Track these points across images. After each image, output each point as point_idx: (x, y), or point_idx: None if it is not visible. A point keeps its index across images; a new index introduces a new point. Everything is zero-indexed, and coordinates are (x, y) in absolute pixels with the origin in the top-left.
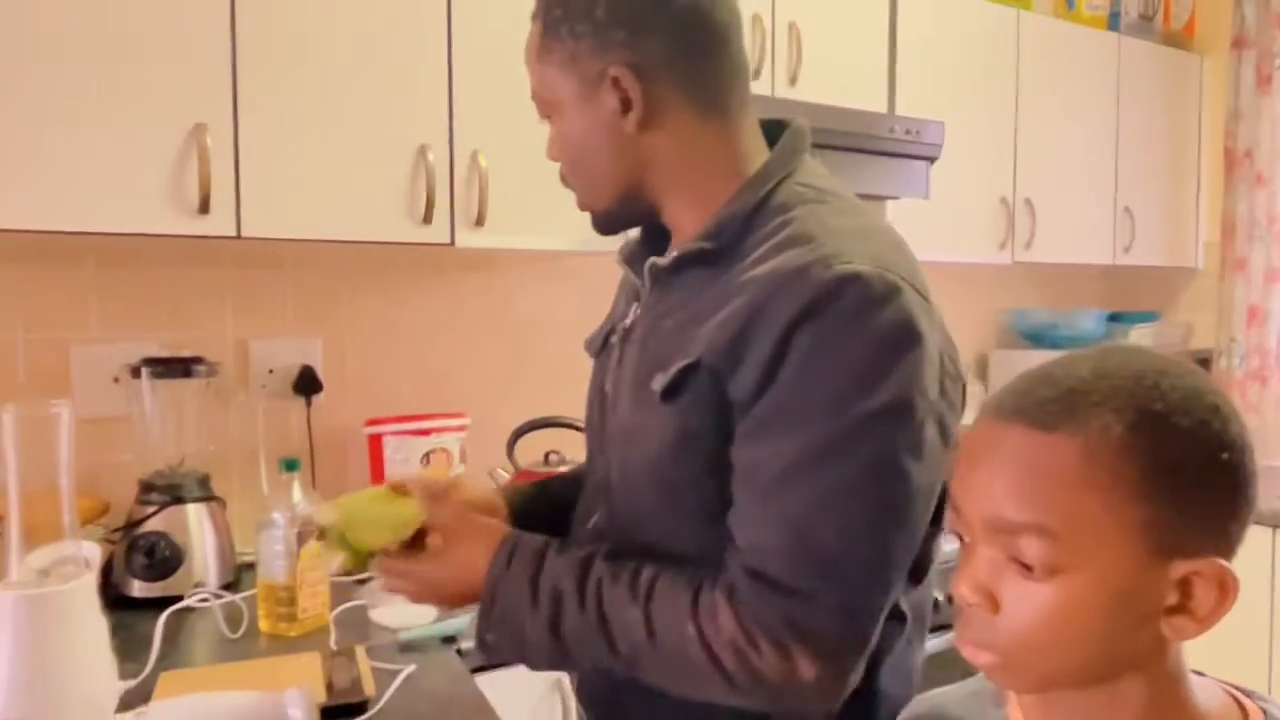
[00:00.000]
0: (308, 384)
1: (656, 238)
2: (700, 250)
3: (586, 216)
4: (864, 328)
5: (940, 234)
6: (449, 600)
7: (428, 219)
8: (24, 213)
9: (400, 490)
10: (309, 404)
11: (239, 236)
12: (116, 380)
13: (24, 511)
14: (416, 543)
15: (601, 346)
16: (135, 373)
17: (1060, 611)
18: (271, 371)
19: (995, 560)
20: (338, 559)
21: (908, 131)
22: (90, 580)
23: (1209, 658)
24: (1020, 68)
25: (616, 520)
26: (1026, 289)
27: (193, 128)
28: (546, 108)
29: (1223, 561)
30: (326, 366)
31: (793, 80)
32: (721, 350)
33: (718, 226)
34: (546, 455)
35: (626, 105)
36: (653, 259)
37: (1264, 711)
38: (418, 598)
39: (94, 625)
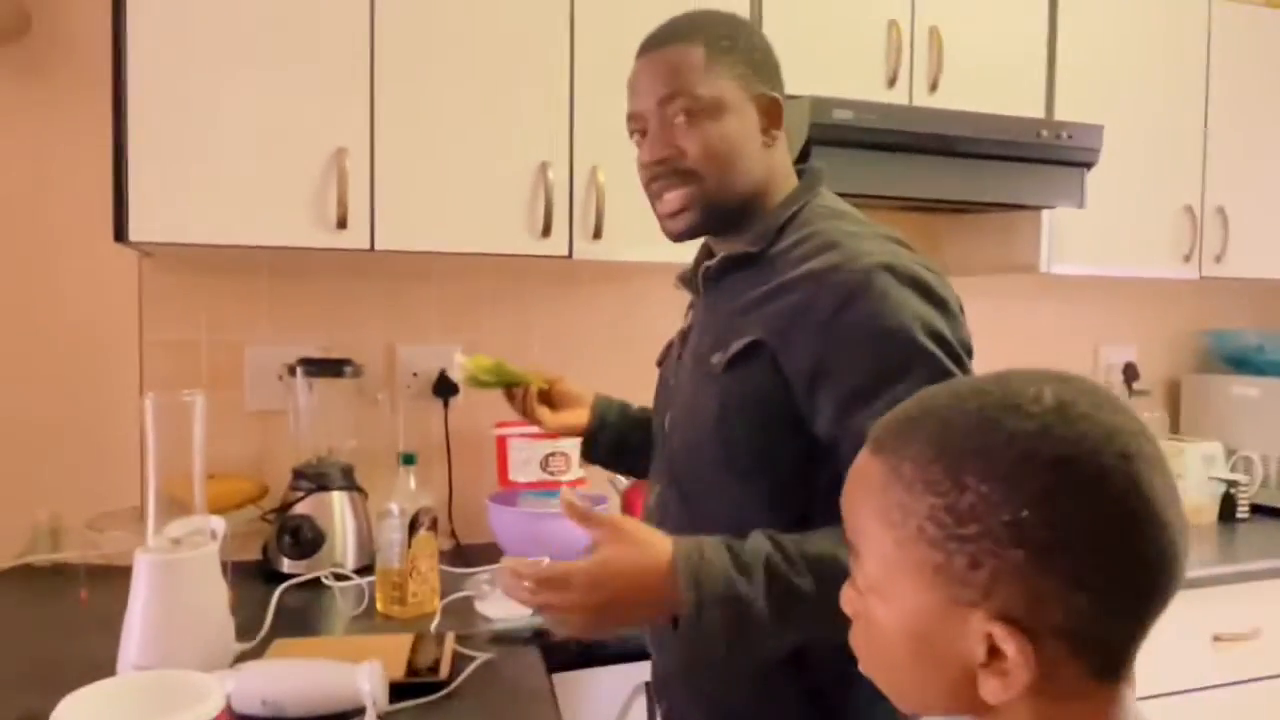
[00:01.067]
0: (446, 387)
1: (699, 259)
2: (744, 254)
3: None
4: (891, 302)
5: (1106, 246)
6: (616, 610)
7: (546, 232)
8: (195, 228)
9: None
10: (446, 406)
11: (372, 249)
12: (280, 378)
13: (164, 488)
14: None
15: (665, 354)
16: (292, 371)
17: (877, 633)
18: (415, 375)
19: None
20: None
21: (1059, 136)
22: (212, 550)
23: None
24: (1211, 62)
25: (682, 489)
26: (1234, 308)
27: (334, 151)
28: (702, 105)
29: (1013, 629)
30: None
31: (933, 87)
32: (778, 332)
33: (757, 236)
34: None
35: (769, 123)
36: (706, 263)
37: None
38: (578, 619)
39: (214, 589)
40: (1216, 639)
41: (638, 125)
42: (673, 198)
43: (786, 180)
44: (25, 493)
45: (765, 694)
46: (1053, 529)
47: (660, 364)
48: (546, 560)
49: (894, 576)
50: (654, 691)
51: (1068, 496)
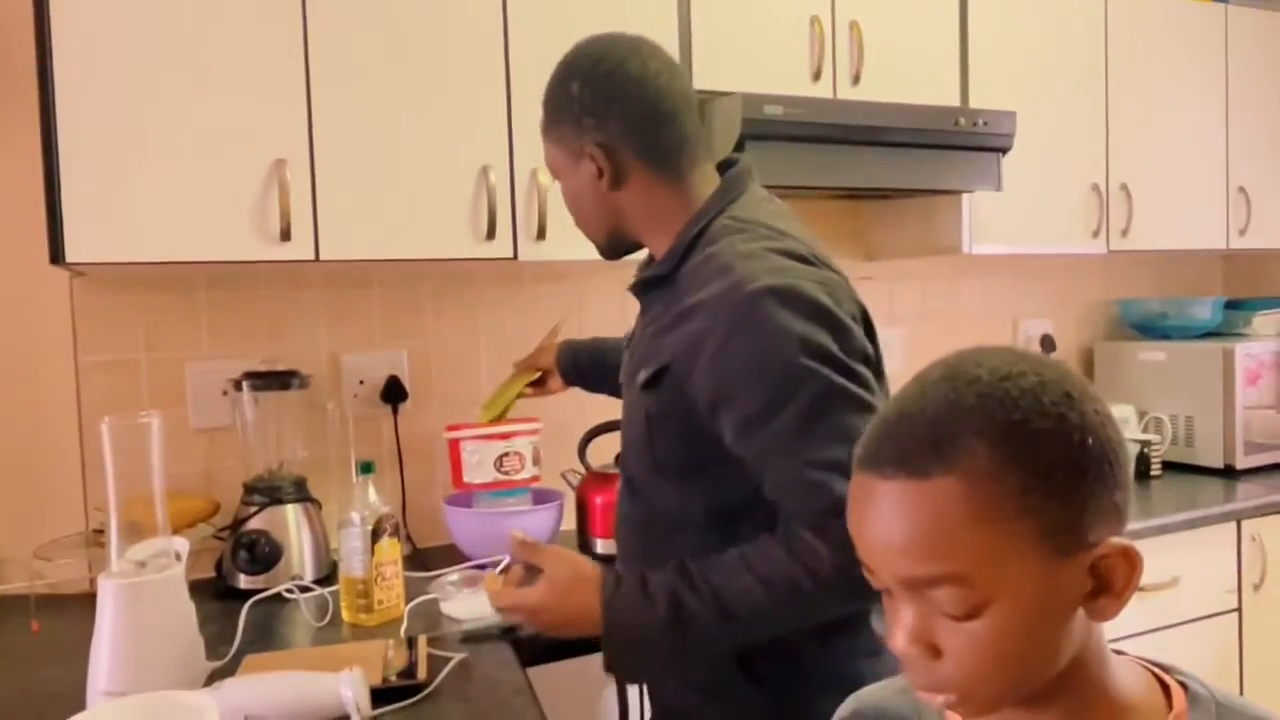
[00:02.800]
0: (395, 393)
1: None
2: (651, 276)
3: None
4: (778, 324)
5: (1023, 226)
6: (557, 622)
7: (491, 235)
8: (135, 246)
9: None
10: (396, 412)
11: (317, 260)
12: (225, 393)
13: (122, 511)
14: (526, 582)
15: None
16: (238, 386)
17: (995, 640)
18: (361, 382)
19: (921, 610)
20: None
21: (975, 123)
22: (179, 571)
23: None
24: (1110, 46)
25: (630, 482)
26: (1140, 278)
27: (274, 162)
28: (554, 172)
29: (1119, 540)
30: (412, 376)
31: (855, 79)
32: (681, 359)
33: (666, 258)
34: (616, 457)
35: (600, 172)
36: (635, 280)
37: (1184, 686)
38: (530, 620)
39: (182, 610)
40: (1139, 590)
41: None
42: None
43: (695, 194)
44: None
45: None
46: (1103, 446)
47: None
48: (504, 562)
49: (1005, 568)
50: None
51: (1100, 414)
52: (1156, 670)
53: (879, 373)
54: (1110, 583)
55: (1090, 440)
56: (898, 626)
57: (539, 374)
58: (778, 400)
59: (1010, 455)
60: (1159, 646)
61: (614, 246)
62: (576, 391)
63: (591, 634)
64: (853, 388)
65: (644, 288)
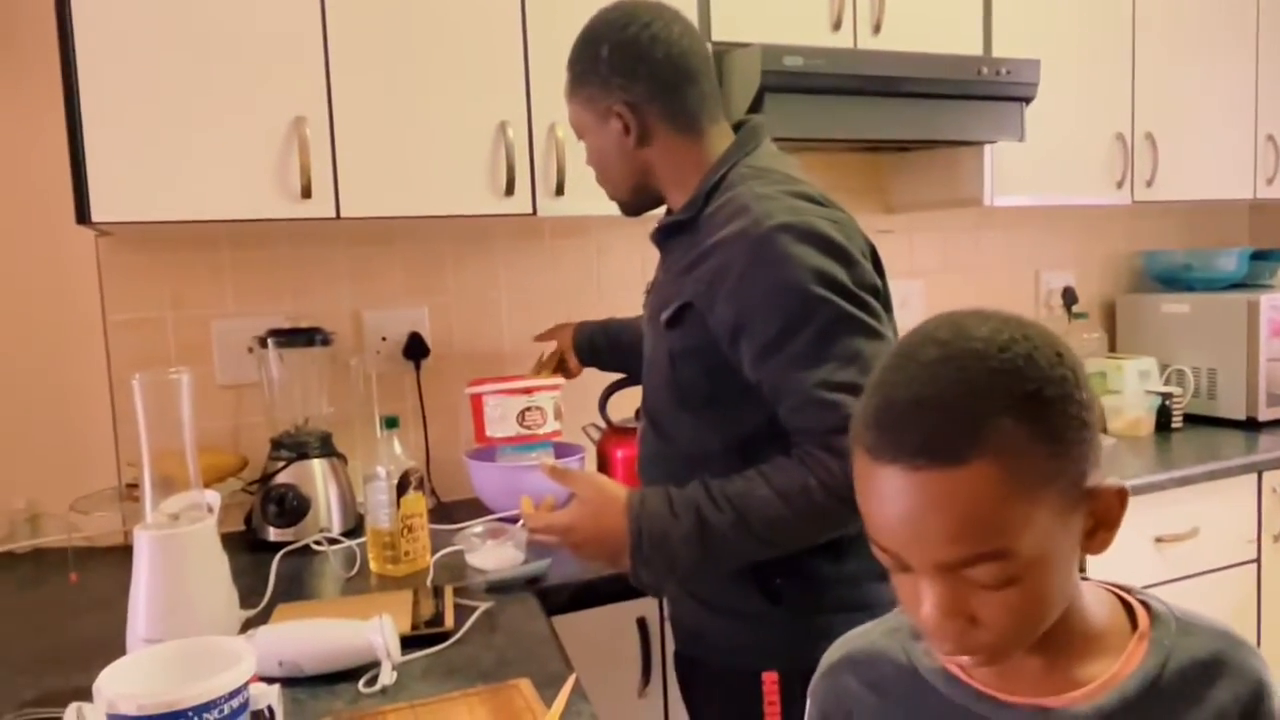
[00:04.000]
0: (417, 349)
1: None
2: (675, 221)
3: None
4: (793, 256)
5: (1046, 177)
6: (588, 539)
7: (510, 191)
8: (158, 206)
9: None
10: (418, 368)
11: (338, 217)
12: (250, 350)
13: (155, 465)
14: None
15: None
16: (263, 343)
17: (1029, 601)
18: (384, 339)
19: (955, 585)
20: None
21: (998, 72)
22: (211, 523)
23: None
24: None
25: (652, 419)
26: (1165, 230)
27: (293, 120)
28: (578, 131)
29: (1113, 481)
30: (434, 332)
31: (876, 29)
32: (702, 295)
33: (687, 204)
34: (637, 412)
35: (627, 130)
36: (655, 228)
37: (1145, 604)
38: (565, 544)
39: (216, 561)
40: (1159, 540)
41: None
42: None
43: (705, 150)
44: None
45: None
46: (1090, 396)
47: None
48: (524, 500)
49: (1039, 532)
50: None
51: (1077, 362)
52: (1119, 592)
53: (887, 306)
54: (1106, 519)
55: (1085, 394)
56: (927, 603)
57: (558, 366)
58: (792, 326)
59: (1035, 427)
60: (1178, 596)
61: (637, 202)
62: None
63: (618, 555)
64: (862, 316)
65: (665, 234)
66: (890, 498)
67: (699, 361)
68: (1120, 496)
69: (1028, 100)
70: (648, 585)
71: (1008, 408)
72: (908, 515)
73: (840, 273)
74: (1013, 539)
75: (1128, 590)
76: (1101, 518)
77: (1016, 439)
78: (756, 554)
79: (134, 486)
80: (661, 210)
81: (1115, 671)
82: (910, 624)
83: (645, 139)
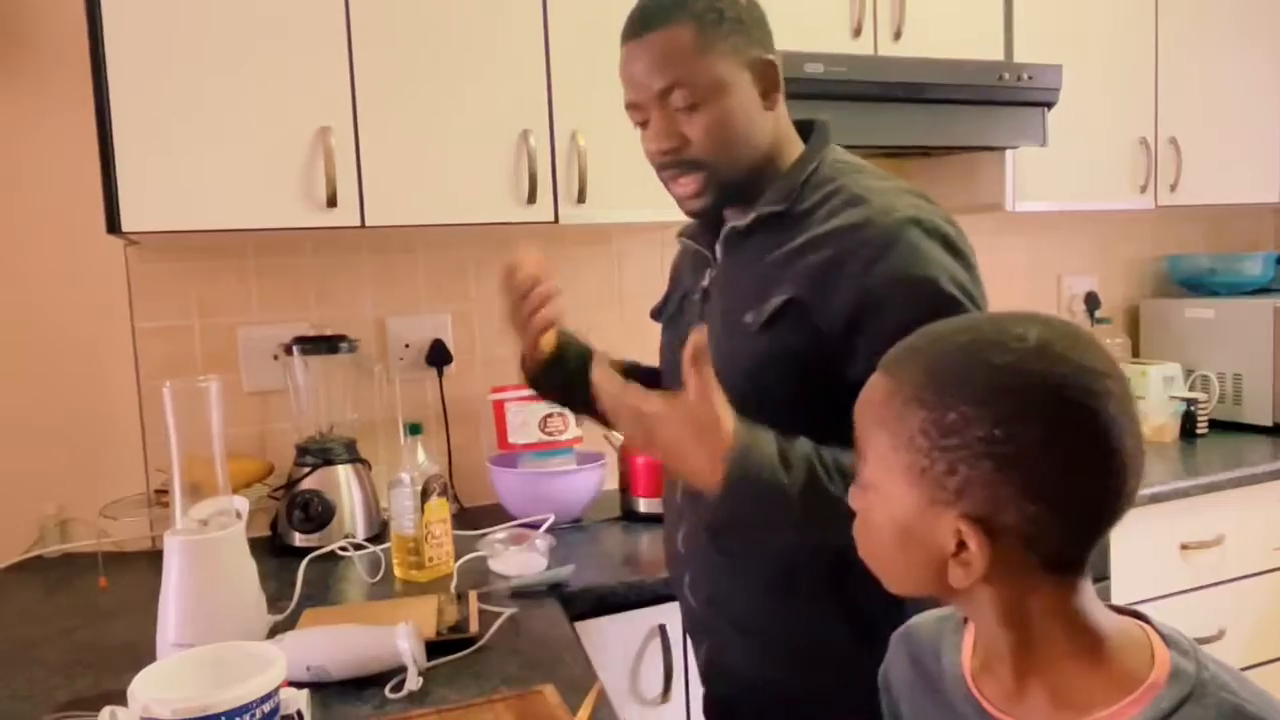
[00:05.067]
0: (440, 356)
1: (713, 221)
2: (771, 212)
3: None
4: (921, 257)
5: (1068, 182)
6: (670, 439)
7: (532, 199)
8: (187, 215)
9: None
10: (441, 375)
11: (363, 226)
12: (276, 357)
13: (184, 472)
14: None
15: (678, 310)
16: (288, 350)
17: (873, 525)
18: (407, 346)
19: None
20: None
21: (1020, 78)
22: (240, 529)
23: None
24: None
25: None
26: (1189, 234)
27: (318, 130)
28: (701, 93)
29: (974, 527)
30: (456, 339)
31: (897, 35)
32: (812, 288)
33: (783, 194)
34: None
35: (772, 86)
36: (731, 224)
37: (1174, 651)
38: (640, 427)
39: (244, 566)
40: (1184, 547)
41: (638, 116)
42: (685, 183)
43: (790, 137)
44: (30, 487)
45: (806, 623)
46: (1016, 446)
47: (656, 317)
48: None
49: (889, 476)
50: (691, 634)
51: (1031, 421)
52: (1152, 631)
53: None
54: (968, 555)
55: (1000, 433)
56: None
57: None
58: (921, 321)
59: (929, 396)
60: (1203, 604)
61: (752, 181)
62: (620, 353)
63: (703, 466)
64: None
65: (748, 231)
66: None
67: (796, 364)
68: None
69: (1050, 105)
70: (720, 519)
71: (926, 367)
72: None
73: (964, 276)
74: (868, 445)
75: (1163, 634)
76: (964, 548)
77: (910, 385)
78: (840, 536)
79: (162, 492)
80: (673, 208)
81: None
82: (958, 616)
83: (774, 102)
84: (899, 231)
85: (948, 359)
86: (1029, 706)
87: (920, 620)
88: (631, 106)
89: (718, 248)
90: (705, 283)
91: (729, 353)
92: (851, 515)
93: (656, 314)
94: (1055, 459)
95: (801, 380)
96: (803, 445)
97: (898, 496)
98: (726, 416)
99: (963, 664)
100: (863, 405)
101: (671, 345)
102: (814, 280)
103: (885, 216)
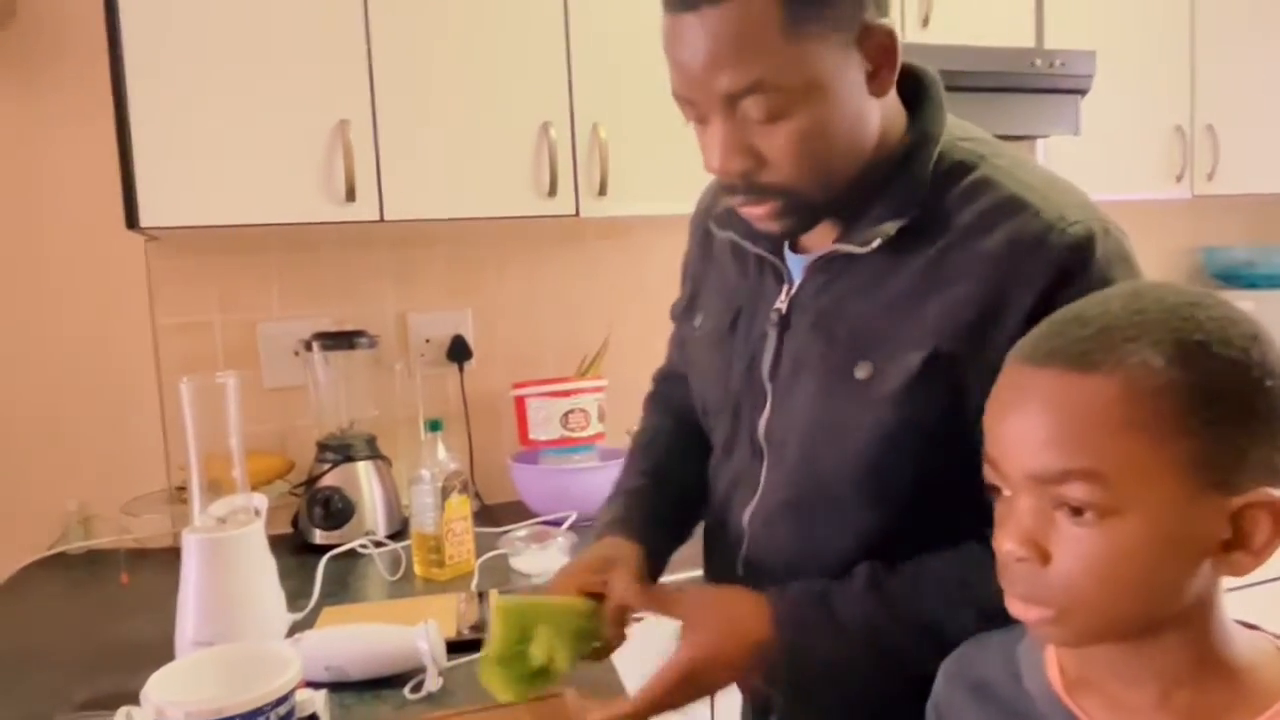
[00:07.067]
0: (460, 352)
1: None
2: (899, 230)
3: (704, 179)
4: (1111, 282)
5: (1101, 171)
6: (717, 687)
7: (553, 192)
8: (205, 210)
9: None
10: (462, 370)
11: (382, 220)
12: (296, 354)
13: (203, 469)
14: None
15: (730, 329)
16: (309, 346)
17: (1112, 556)
18: (428, 341)
19: (1040, 511)
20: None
21: (1052, 64)
22: (259, 526)
23: None
24: None
25: (799, 512)
26: (1226, 225)
27: (337, 124)
28: (791, 100)
29: (1275, 491)
30: (477, 335)
31: (925, 22)
32: (962, 334)
33: (904, 202)
34: None
35: (887, 62)
36: (836, 248)
37: None
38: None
39: (264, 563)
40: None
41: (692, 113)
42: (760, 211)
43: (898, 111)
44: (53, 483)
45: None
46: None
47: (679, 319)
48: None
49: (1145, 482)
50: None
51: None
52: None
53: None
54: (1249, 536)
55: (1270, 384)
56: (1009, 527)
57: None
58: None
59: (1182, 372)
60: (1252, 602)
61: (849, 193)
62: (641, 347)
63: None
64: None
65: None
66: (1011, 394)
67: (929, 437)
68: (1273, 512)
69: (1083, 93)
70: (776, 703)
71: (1161, 341)
72: (1020, 412)
73: None
74: (1113, 468)
75: None
76: (1244, 530)
77: (1157, 374)
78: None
79: (183, 489)
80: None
81: None
82: (1028, 636)
83: (885, 81)
84: (1080, 252)
85: (1180, 324)
86: None
87: (980, 644)
88: (683, 100)
89: (802, 265)
90: (781, 306)
91: (831, 420)
92: (933, 641)
93: (682, 316)
94: None
95: (934, 452)
96: (860, 597)
97: (1163, 501)
98: (749, 616)
99: (1053, 685)
100: (1067, 419)
101: (722, 373)
102: (969, 320)
103: (1061, 235)
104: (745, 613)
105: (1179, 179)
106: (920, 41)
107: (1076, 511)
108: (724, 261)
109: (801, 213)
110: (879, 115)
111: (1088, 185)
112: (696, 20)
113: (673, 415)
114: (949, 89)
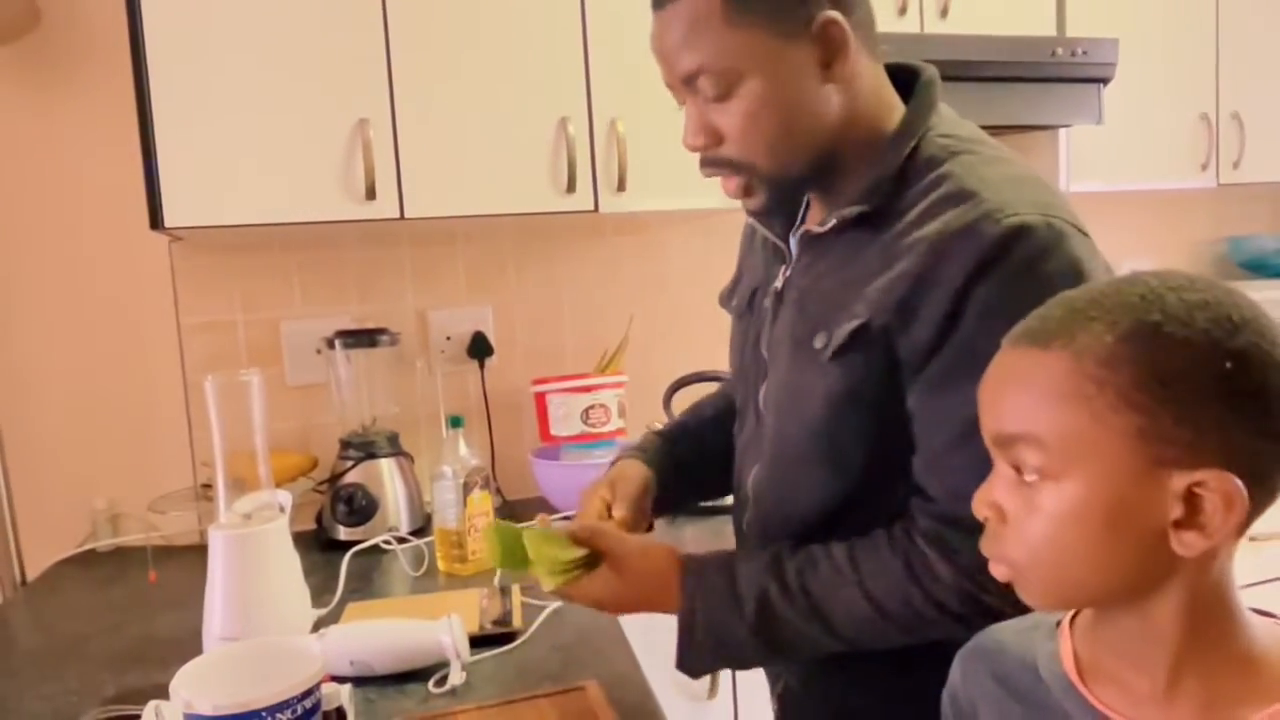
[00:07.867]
0: (481, 348)
1: (790, 209)
2: (858, 214)
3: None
4: (1036, 277)
5: (1125, 161)
6: (624, 609)
7: (571, 188)
8: (228, 210)
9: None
10: (483, 367)
11: (402, 218)
12: (318, 351)
13: (227, 466)
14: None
15: (748, 306)
16: (330, 344)
17: (1057, 519)
18: (448, 338)
19: (1004, 475)
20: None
21: (1074, 53)
22: (283, 523)
23: None
24: None
25: (776, 474)
26: (1253, 214)
27: (356, 123)
28: (730, 79)
29: (1226, 473)
30: (497, 331)
31: (944, 13)
32: (891, 310)
33: (870, 189)
34: None
35: (832, 53)
36: (806, 228)
37: None
38: (600, 608)
39: (288, 560)
40: (1252, 539)
41: (676, 98)
42: (729, 185)
43: (881, 101)
44: (80, 482)
45: (889, 695)
46: (1251, 380)
47: (737, 313)
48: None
49: (1091, 452)
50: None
51: (1264, 352)
52: None
53: None
54: (1197, 516)
55: (1230, 366)
56: (982, 489)
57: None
58: None
59: (1133, 349)
60: (1269, 599)
61: (808, 178)
62: (662, 343)
63: (663, 612)
64: None
65: (835, 234)
66: (991, 368)
67: (866, 408)
68: (1224, 494)
69: (1105, 81)
70: (695, 672)
71: (1117, 322)
72: (989, 382)
73: None
74: (1054, 436)
75: None
76: (1194, 509)
77: (1106, 349)
78: (831, 649)
79: (209, 486)
80: (717, 194)
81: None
82: (1048, 622)
83: (842, 70)
84: (1006, 242)
85: (1144, 303)
86: (1175, 711)
87: (996, 634)
88: (669, 87)
89: (793, 243)
90: (779, 284)
91: (795, 380)
92: (838, 635)
93: (725, 300)
94: (1266, 381)
95: (880, 423)
96: (760, 569)
97: (1105, 471)
98: (659, 561)
99: (1068, 673)
100: (1013, 388)
101: (740, 346)
102: (895, 301)
103: (994, 224)
104: (656, 568)
105: (1204, 167)
106: (940, 32)
107: (1027, 474)
108: (756, 246)
109: (770, 189)
110: (840, 100)
111: (1111, 175)
112: (662, 15)
113: (726, 389)
114: (969, 79)
